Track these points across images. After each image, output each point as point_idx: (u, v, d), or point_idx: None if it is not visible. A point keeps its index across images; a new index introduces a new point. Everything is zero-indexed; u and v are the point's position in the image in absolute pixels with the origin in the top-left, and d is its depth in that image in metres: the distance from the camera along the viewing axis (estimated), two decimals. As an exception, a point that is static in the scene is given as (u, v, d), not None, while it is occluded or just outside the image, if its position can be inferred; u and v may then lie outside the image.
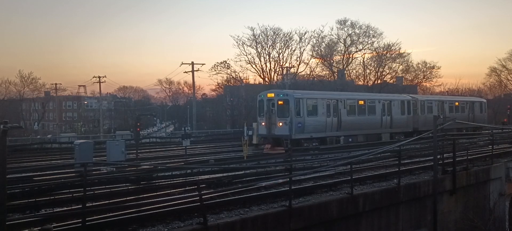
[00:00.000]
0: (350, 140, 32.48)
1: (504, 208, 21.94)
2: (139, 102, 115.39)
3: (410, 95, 41.33)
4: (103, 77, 72.85)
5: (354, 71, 79.68)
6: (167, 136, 59.94)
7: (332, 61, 77.02)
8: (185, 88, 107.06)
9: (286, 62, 72.09)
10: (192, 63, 56.44)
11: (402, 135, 36.98)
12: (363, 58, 78.28)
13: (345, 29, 76.49)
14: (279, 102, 30.29)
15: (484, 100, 51.74)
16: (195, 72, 56.88)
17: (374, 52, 77.08)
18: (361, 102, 34.80)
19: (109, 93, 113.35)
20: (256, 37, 70.63)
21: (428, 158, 21.27)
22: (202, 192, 11.39)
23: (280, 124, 29.57)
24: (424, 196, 17.22)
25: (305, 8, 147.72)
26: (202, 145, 38.00)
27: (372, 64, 78.06)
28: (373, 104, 35.57)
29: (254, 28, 70.79)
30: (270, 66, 72.62)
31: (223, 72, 71.52)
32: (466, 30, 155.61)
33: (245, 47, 71.24)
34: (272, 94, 31.15)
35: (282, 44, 72.00)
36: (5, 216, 7.84)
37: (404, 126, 37.83)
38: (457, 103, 46.22)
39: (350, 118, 32.93)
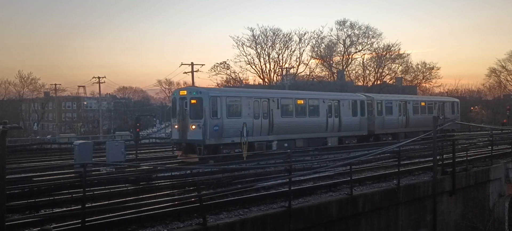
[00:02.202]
0: (285, 145, 27.85)
1: (503, 209, 21.95)
2: (139, 103, 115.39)
3: (365, 94, 37.05)
4: (103, 77, 72.83)
5: (353, 72, 79.96)
6: (166, 137, 59.90)
7: (331, 62, 77.20)
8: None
9: (285, 63, 72.28)
10: (192, 64, 56.46)
11: (354, 139, 33.20)
12: (363, 59, 78.50)
13: (345, 30, 76.80)
14: (192, 101, 25.65)
15: (457, 100, 47.10)
16: (194, 73, 56.89)
17: (374, 53, 77.30)
18: (300, 102, 30.02)
19: (109, 93, 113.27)
20: (256, 37, 70.87)
21: (427, 159, 21.26)
22: (202, 193, 11.40)
23: (193, 127, 24.95)
24: (424, 197, 17.23)
25: (304, 8, 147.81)
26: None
27: (372, 65, 78.25)
28: (316, 105, 30.82)
29: (254, 29, 71.03)
30: (270, 67, 72.81)
31: (222, 73, 71.75)
32: (465, 31, 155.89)
33: (245, 47, 71.46)
34: (185, 92, 26.53)
35: (281, 45, 72.26)
36: (5, 217, 7.83)
37: (356, 128, 33.42)
38: (423, 104, 41.38)
39: (285, 120, 28.29)
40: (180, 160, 25.00)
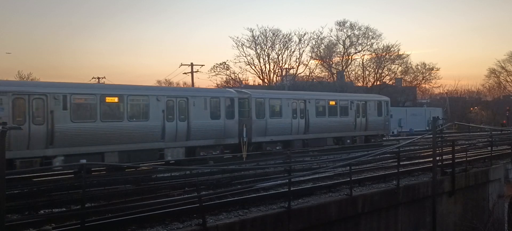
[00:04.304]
0: (83, 161, 16.58)
1: (503, 209, 21.96)
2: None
3: (240, 90, 29.29)
4: (103, 78, 72.87)
5: (353, 72, 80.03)
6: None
7: (331, 62, 77.29)
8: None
9: (285, 64, 72.36)
10: (192, 64, 56.49)
11: (216, 150, 24.79)
12: (362, 60, 78.60)
13: (344, 30, 76.91)
14: None
15: (386, 99, 37.19)
16: (194, 73, 56.93)
17: (373, 54, 77.42)
18: (112, 99, 21.25)
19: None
20: (256, 38, 70.99)
21: (427, 160, 21.27)
22: (201, 193, 11.41)
23: None
24: (423, 198, 17.24)
25: (304, 9, 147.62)
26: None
27: (371, 65, 78.35)
28: (144, 104, 22.28)
29: (253, 29, 71.11)
30: (270, 67, 72.89)
31: (222, 74, 71.87)
32: (465, 31, 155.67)
33: (245, 48, 71.55)
34: None
35: (281, 45, 72.36)
36: (4, 217, 7.83)
37: (219, 135, 24.84)
38: (332, 103, 31.95)
39: (82, 126, 19.90)
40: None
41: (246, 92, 27.82)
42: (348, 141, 31.59)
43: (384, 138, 36.13)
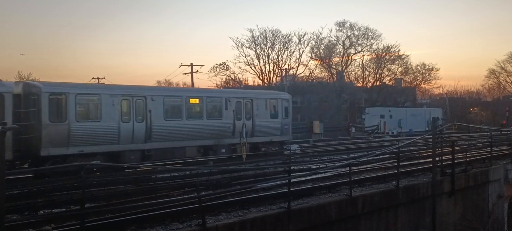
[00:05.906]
0: None
1: (503, 210, 21.97)
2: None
3: (25, 82, 22.19)
4: (102, 78, 72.88)
5: (353, 73, 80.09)
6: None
7: (331, 63, 77.35)
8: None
9: (285, 64, 72.42)
10: (191, 65, 56.49)
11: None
12: (362, 60, 78.67)
13: (344, 31, 77.01)
14: None
15: (286, 96, 28.18)
16: (194, 73, 56.93)
17: (373, 54, 77.51)
18: None
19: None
20: (255, 38, 71.08)
21: (427, 160, 21.28)
22: (201, 193, 11.41)
23: None
24: (423, 198, 17.24)
25: (304, 9, 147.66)
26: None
27: (371, 66, 78.43)
28: None
29: (253, 30, 71.18)
30: (269, 68, 72.97)
31: (222, 74, 71.94)
32: (465, 31, 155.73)
33: (244, 48, 71.62)
34: None
35: (281, 45, 72.43)
36: (4, 217, 7.83)
37: None
38: (195, 100, 23.39)
39: None
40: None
41: (35, 86, 19.20)
42: (223, 150, 23.77)
43: (285, 146, 27.42)
